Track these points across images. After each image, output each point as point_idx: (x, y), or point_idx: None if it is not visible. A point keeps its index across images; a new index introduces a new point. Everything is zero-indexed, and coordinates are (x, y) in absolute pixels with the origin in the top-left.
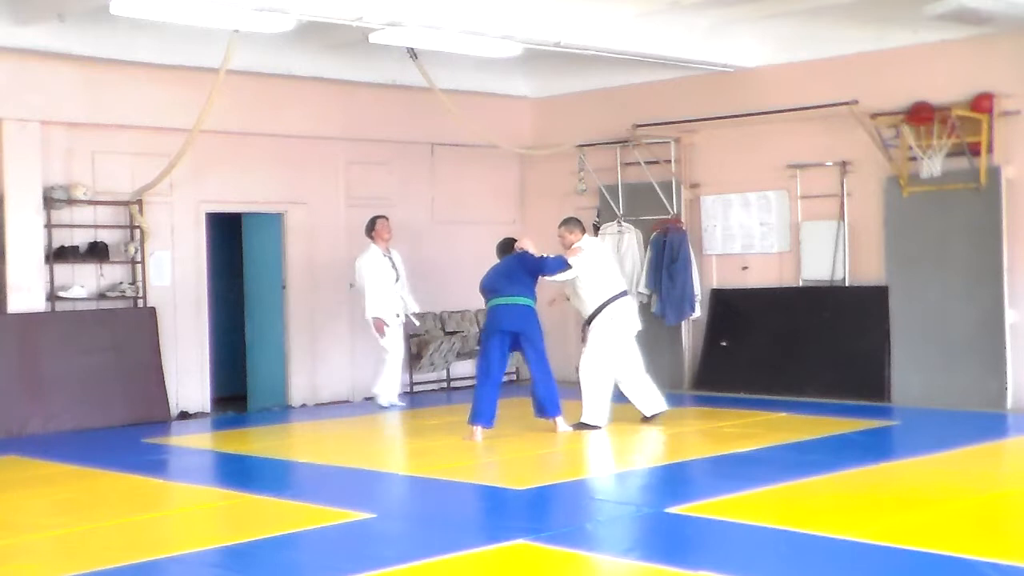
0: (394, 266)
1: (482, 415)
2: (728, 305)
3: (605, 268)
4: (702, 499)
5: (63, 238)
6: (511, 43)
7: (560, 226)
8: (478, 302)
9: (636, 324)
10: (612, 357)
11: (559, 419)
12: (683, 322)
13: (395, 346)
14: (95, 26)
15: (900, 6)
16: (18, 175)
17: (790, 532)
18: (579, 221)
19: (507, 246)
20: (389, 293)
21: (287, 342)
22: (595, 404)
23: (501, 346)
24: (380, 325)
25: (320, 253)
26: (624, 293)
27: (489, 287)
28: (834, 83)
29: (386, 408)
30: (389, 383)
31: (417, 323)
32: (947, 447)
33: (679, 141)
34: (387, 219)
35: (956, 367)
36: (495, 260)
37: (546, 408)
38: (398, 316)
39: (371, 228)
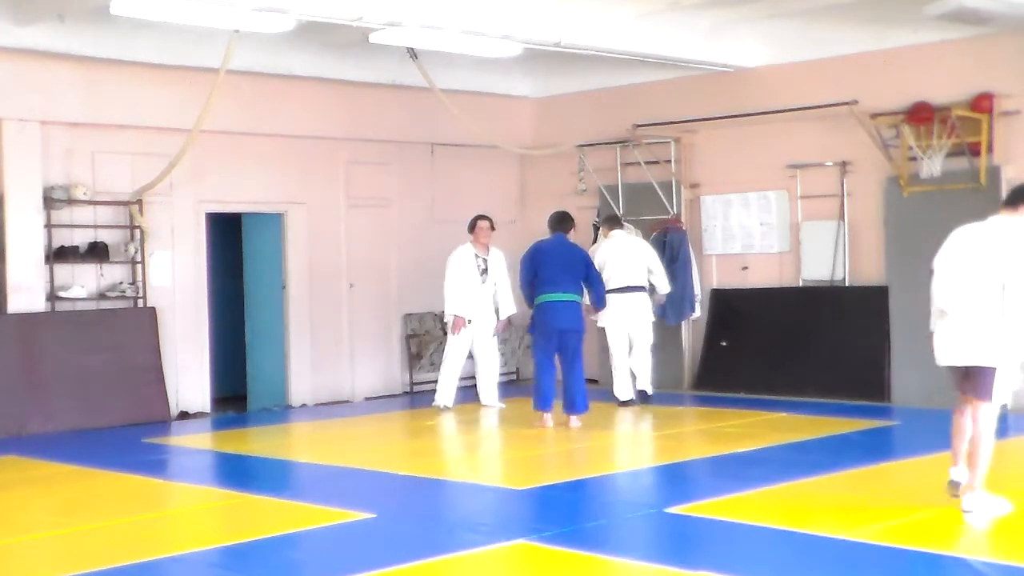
0: (485, 269)
1: (547, 400)
2: (728, 305)
3: (612, 263)
4: (702, 499)
5: (63, 238)
6: (511, 43)
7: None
8: None
9: (631, 317)
10: (614, 340)
11: (573, 417)
12: (683, 322)
13: (479, 350)
14: (95, 26)
15: (900, 6)
16: (18, 175)
17: (790, 532)
18: (614, 219)
19: (561, 220)
20: (472, 294)
21: (287, 342)
22: (618, 382)
23: (554, 343)
24: (459, 323)
25: (320, 253)
26: (626, 288)
27: (547, 279)
28: (834, 83)
29: (442, 408)
30: (476, 386)
31: (500, 331)
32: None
33: (679, 141)
34: (488, 220)
35: None
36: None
37: (565, 405)
38: (469, 322)
39: (471, 228)
